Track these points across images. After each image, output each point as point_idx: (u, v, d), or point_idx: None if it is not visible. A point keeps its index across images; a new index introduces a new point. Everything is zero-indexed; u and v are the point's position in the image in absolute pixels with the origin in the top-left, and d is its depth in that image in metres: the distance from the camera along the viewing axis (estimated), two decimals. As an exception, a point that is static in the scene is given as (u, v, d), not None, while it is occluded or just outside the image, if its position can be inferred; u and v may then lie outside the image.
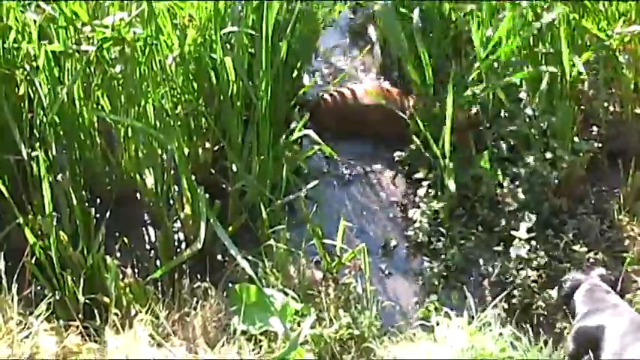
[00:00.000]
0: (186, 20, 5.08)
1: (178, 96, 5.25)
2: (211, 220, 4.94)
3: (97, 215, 5.19)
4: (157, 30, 5.01)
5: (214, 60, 5.17)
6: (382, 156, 5.99)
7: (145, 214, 5.52)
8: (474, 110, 5.78)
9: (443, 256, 5.37)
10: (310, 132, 5.37)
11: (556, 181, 5.53)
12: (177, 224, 5.37)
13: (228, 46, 5.24)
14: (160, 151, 5.23)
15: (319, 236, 4.99)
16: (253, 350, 4.58)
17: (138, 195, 5.51)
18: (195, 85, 5.29)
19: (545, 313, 5.06)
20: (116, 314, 4.63)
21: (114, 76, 5.11)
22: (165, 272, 4.92)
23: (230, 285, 4.95)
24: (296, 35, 5.55)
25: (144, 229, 5.48)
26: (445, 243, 5.43)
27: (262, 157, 5.26)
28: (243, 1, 5.20)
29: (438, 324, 4.75)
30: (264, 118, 5.23)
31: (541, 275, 5.19)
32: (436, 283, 5.26)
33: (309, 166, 5.69)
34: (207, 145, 5.45)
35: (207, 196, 5.02)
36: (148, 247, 5.40)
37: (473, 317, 4.79)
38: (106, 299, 4.75)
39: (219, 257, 5.28)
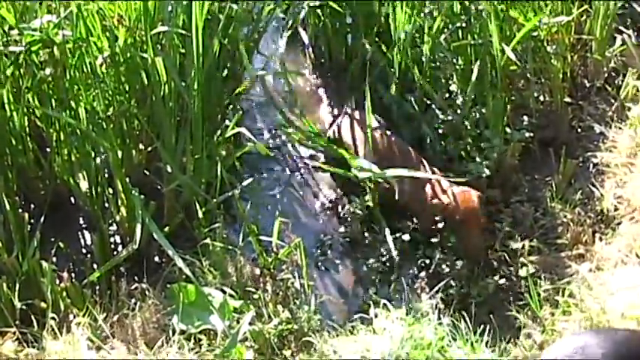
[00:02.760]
0: (116, 21, 5.04)
1: (110, 98, 5.20)
2: (147, 221, 4.92)
3: (32, 221, 5.14)
4: (87, 32, 4.99)
5: (145, 60, 5.13)
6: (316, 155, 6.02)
7: (81, 219, 5.49)
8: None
9: (378, 251, 5.39)
10: (243, 129, 5.36)
11: (487, 171, 5.57)
12: (113, 227, 5.34)
13: (159, 47, 5.20)
14: (93, 154, 5.19)
15: (255, 233, 5.00)
16: (193, 349, 4.57)
17: (72, 199, 5.46)
18: (127, 86, 5.24)
19: (482, 301, 5.10)
20: (53, 319, 4.61)
21: (44, 78, 5.05)
22: (102, 274, 4.90)
23: (168, 285, 4.93)
24: (230, 35, 5.51)
25: (79, 233, 5.45)
26: (379, 238, 5.45)
27: (196, 157, 5.24)
28: (172, 1, 5.15)
29: (376, 316, 4.76)
30: (197, 118, 5.22)
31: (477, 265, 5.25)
32: (373, 277, 5.31)
33: (245, 164, 5.67)
34: (141, 146, 5.41)
35: (142, 197, 5.01)
36: (84, 251, 5.36)
37: (411, 309, 4.81)
38: (43, 304, 4.72)
39: (156, 259, 5.27)
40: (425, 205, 5.44)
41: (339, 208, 5.68)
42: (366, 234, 5.55)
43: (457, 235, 5.37)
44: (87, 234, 5.42)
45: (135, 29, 5.10)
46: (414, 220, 5.49)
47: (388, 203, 5.53)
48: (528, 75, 5.90)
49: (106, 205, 5.28)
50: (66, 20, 4.97)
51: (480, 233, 5.35)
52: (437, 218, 5.39)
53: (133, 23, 5.09)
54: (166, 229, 5.13)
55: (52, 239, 5.21)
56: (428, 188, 5.46)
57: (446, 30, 5.83)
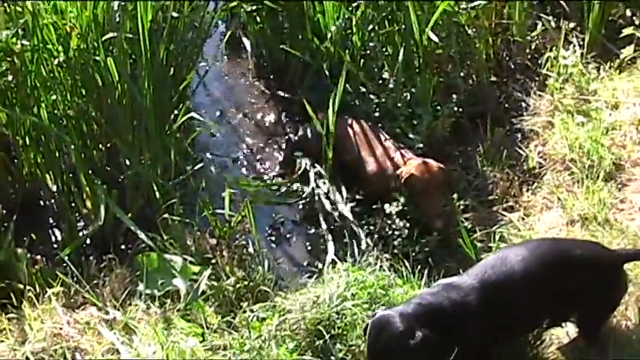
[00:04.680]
0: (69, 28, 5.52)
1: (69, 100, 5.66)
2: (110, 206, 5.37)
3: (5, 224, 5.54)
4: (43, 40, 5.48)
5: (98, 64, 5.60)
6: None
7: (50, 218, 5.89)
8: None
9: (328, 218, 5.86)
10: (193, 114, 5.85)
11: (420, 144, 6.05)
12: (81, 223, 5.76)
13: (110, 52, 5.67)
14: (57, 154, 5.64)
15: (208, 207, 5.44)
16: (159, 308, 4.97)
17: (41, 201, 5.89)
18: (83, 90, 5.70)
19: (421, 258, 5.54)
20: (30, 291, 5.01)
21: (7, 85, 5.53)
22: (72, 252, 5.33)
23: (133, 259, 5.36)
24: (175, 40, 5.99)
25: (50, 230, 5.84)
26: (330, 206, 5.91)
27: (152, 148, 5.69)
28: (120, 9, 5.63)
29: (324, 269, 5.19)
30: (149, 113, 5.68)
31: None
32: (321, 240, 5.75)
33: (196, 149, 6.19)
34: (101, 145, 5.86)
35: (104, 186, 5.47)
36: (55, 245, 5.74)
37: (355, 261, 5.25)
38: (20, 285, 5.12)
39: (122, 246, 5.65)
40: (386, 177, 5.88)
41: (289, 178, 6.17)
42: (315, 203, 5.98)
43: (417, 204, 5.76)
44: (57, 231, 5.82)
45: (86, 35, 5.56)
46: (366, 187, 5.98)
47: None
48: (453, 56, 6.40)
49: (73, 202, 5.70)
50: (23, 31, 5.43)
51: (438, 202, 5.75)
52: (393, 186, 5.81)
53: (84, 30, 5.55)
54: (129, 215, 5.53)
55: (24, 236, 5.57)
56: (389, 161, 5.91)
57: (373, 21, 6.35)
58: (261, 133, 6.59)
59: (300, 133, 6.30)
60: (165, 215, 5.43)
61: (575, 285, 4.48)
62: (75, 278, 5.16)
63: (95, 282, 5.16)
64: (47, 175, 5.78)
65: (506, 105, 6.50)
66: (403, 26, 6.26)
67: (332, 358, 4.66)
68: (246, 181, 6.03)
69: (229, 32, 7.04)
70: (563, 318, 4.68)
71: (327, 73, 6.47)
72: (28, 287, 5.05)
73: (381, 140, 6.01)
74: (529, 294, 4.44)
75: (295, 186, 6.07)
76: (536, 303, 4.48)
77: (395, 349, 4.22)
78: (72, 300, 5.04)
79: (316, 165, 6.09)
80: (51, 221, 5.88)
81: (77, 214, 5.74)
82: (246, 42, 7.02)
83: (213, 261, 5.31)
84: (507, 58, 6.75)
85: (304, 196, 6.02)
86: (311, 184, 6.00)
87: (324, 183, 5.96)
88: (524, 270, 4.43)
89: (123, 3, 5.60)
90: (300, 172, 6.09)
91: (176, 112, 5.90)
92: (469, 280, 4.43)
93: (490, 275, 4.43)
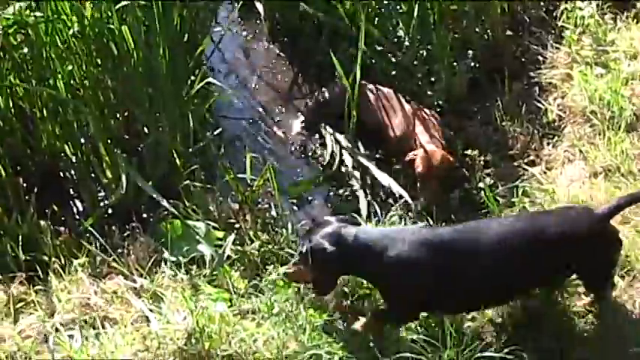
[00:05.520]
0: (82, -1, 5.50)
1: (85, 70, 5.64)
2: (131, 174, 5.36)
3: (27, 197, 5.51)
4: (57, 11, 5.45)
5: (113, 32, 5.57)
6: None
7: (71, 189, 5.88)
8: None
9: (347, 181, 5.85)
10: (210, 79, 5.83)
11: (439, 101, 6.02)
12: (102, 194, 5.76)
13: (124, 20, 5.64)
14: (75, 125, 5.63)
15: (229, 172, 5.43)
16: (186, 274, 4.97)
17: (61, 173, 5.88)
18: (98, 59, 5.68)
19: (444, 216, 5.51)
20: (56, 263, 5.02)
21: (23, 58, 5.50)
22: (96, 221, 5.33)
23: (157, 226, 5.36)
24: (188, 5, 5.95)
25: (71, 202, 5.84)
26: (349, 170, 5.89)
27: (170, 115, 5.67)
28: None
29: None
30: (165, 80, 5.66)
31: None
32: (340, 201, 5.78)
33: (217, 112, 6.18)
34: (118, 114, 5.84)
35: (124, 156, 5.46)
36: (77, 216, 5.75)
37: (379, 221, 5.26)
38: (45, 258, 5.13)
39: (144, 214, 5.65)
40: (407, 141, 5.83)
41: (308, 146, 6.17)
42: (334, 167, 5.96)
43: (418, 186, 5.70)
44: (78, 202, 5.82)
45: (100, 5, 5.53)
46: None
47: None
48: (468, 11, 6.35)
49: (93, 172, 5.70)
50: (36, 3, 5.41)
51: (436, 187, 5.67)
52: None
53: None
54: (150, 183, 5.52)
55: (46, 208, 5.59)
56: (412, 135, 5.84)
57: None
58: (278, 96, 6.55)
59: (322, 95, 6.26)
60: (187, 182, 5.39)
61: (561, 259, 4.53)
62: (100, 248, 5.15)
63: (120, 251, 5.16)
64: (66, 147, 5.75)
65: (523, 59, 6.46)
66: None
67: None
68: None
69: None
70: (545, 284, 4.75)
71: (342, 32, 6.43)
72: (53, 259, 5.05)
73: (402, 105, 5.97)
74: (493, 270, 4.47)
75: (319, 151, 6.07)
76: (501, 278, 4.51)
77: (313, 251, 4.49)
78: (98, 270, 5.05)
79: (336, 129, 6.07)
80: (72, 192, 5.87)
81: (97, 184, 5.73)
82: (259, 5, 6.97)
83: (237, 226, 5.30)
84: (522, 12, 6.69)
85: (327, 159, 6.01)
86: (331, 146, 5.97)
87: (348, 143, 5.93)
88: (497, 244, 4.46)
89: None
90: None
91: (192, 78, 5.86)
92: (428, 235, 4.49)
93: (454, 239, 4.49)
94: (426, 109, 5.94)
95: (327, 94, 6.22)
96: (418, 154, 5.64)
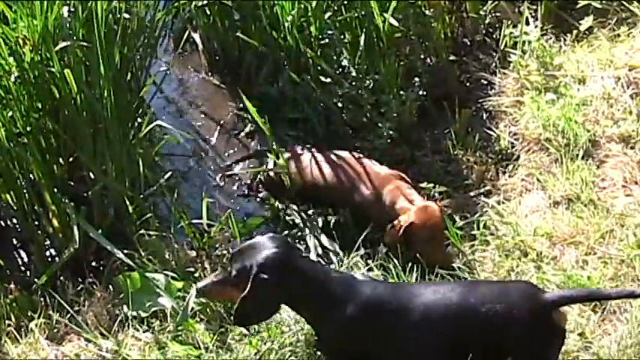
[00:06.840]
0: (21, 41, 5.25)
1: (26, 115, 5.40)
2: (81, 224, 5.15)
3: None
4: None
5: (54, 75, 5.34)
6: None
7: (14, 239, 5.64)
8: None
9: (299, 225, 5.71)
10: (159, 122, 5.64)
11: (390, 132, 5.93)
12: (47, 242, 5.52)
13: (65, 62, 5.41)
14: (19, 174, 5.40)
15: (184, 218, 5.26)
16: (147, 331, 4.79)
17: (2, 222, 5.64)
18: (39, 103, 5.44)
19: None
20: (9, 325, 4.79)
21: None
22: (49, 279, 5.09)
23: (112, 279, 5.15)
24: (129, 44, 5.75)
25: (15, 252, 5.60)
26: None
27: (116, 159, 5.46)
28: (70, 17, 5.38)
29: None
30: (111, 123, 5.44)
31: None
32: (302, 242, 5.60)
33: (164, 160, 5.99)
34: (61, 160, 5.61)
35: (72, 204, 5.24)
36: (22, 268, 5.52)
37: (342, 262, 5.15)
38: (-4, 318, 4.91)
39: (93, 263, 5.45)
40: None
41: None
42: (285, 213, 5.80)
43: (420, 253, 5.14)
44: (22, 253, 5.58)
45: (39, 47, 5.30)
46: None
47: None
48: (412, 39, 6.27)
49: (37, 221, 5.46)
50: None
51: (442, 246, 5.27)
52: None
53: (37, 41, 5.29)
54: (99, 231, 5.31)
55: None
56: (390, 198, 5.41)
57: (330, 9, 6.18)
58: (222, 130, 6.39)
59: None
60: (142, 231, 5.20)
61: (492, 342, 3.93)
62: (54, 305, 4.94)
63: (77, 309, 4.93)
64: (7, 196, 5.49)
65: (469, 84, 6.41)
66: (362, 12, 6.08)
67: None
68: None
69: (177, 29, 6.79)
70: None
71: (283, 63, 6.29)
72: (7, 321, 4.82)
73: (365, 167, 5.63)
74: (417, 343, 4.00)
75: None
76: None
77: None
78: (55, 330, 4.83)
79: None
80: (15, 242, 5.62)
81: (44, 234, 5.48)
82: (196, 37, 6.78)
83: (196, 275, 5.11)
84: (463, 36, 6.64)
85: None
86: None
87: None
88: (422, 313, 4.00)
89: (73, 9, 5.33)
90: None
91: (138, 119, 5.66)
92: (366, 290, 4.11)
93: (384, 301, 4.09)
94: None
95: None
96: (412, 215, 5.16)
